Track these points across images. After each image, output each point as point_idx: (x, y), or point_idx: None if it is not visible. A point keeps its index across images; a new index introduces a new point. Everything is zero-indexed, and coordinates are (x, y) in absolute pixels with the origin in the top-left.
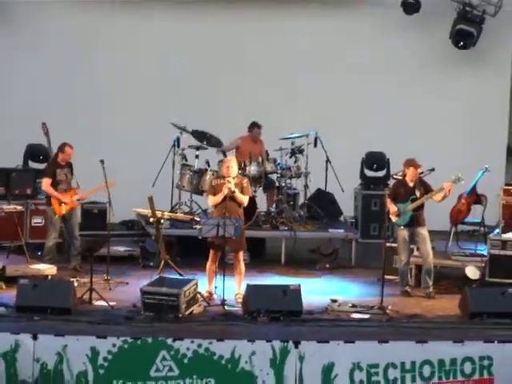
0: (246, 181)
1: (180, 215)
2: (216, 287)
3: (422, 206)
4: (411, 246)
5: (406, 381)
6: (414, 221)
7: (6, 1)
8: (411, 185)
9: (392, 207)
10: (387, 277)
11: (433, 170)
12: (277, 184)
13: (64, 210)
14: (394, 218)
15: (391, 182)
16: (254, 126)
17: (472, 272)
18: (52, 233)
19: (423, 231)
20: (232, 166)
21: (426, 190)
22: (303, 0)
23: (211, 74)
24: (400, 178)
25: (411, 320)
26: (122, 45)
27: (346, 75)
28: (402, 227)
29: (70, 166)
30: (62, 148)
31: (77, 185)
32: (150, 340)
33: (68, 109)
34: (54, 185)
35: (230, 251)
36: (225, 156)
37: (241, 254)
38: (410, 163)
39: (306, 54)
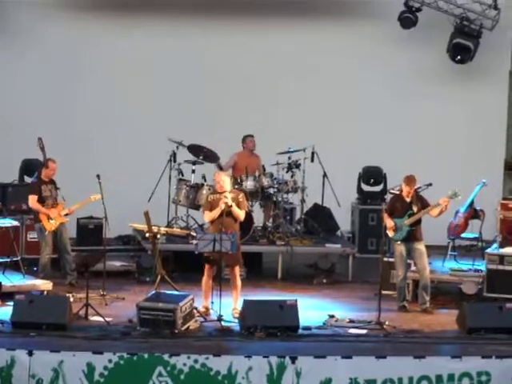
0: (241, 195)
1: (176, 230)
2: (212, 302)
3: (419, 221)
4: (408, 261)
5: None
6: (411, 236)
7: (3, 16)
8: (408, 200)
9: (389, 222)
10: (384, 292)
11: (430, 184)
12: (273, 199)
13: (53, 225)
14: (390, 234)
15: (388, 197)
16: (247, 137)
17: (468, 288)
18: (45, 249)
19: (420, 246)
20: (223, 180)
21: (423, 205)
22: (301, 13)
23: (207, 88)
24: (397, 192)
25: (409, 335)
26: (119, 60)
27: (343, 89)
28: (399, 242)
29: (53, 182)
30: (46, 164)
31: (63, 199)
32: (146, 356)
33: (64, 124)
34: (41, 201)
35: (226, 266)
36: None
37: (237, 269)
38: (406, 181)
39: (303, 68)
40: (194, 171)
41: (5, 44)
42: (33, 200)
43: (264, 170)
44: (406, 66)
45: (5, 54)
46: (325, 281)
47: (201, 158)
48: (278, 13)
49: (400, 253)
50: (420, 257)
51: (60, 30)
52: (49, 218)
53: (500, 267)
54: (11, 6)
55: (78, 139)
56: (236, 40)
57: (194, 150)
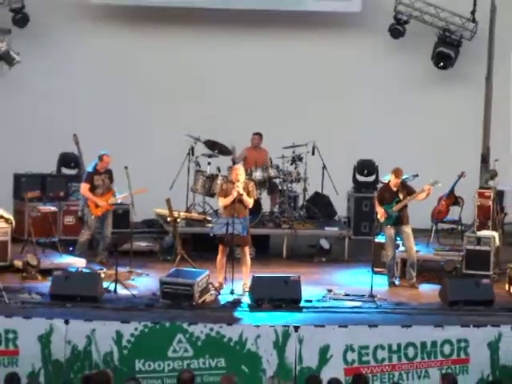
0: (251, 185)
1: (194, 215)
2: (226, 278)
3: (405, 207)
4: (397, 243)
5: (392, 360)
6: (399, 220)
7: (39, 23)
8: (395, 189)
9: (379, 210)
10: (376, 269)
11: (416, 175)
12: (279, 187)
13: (100, 211)
14: (381, 219)
15: (380, 186)
16: (254, 135)
17: (448, 265)
18: (86, 230)
19: (407, 229)
20: (240, 173)
21: (409, 192)
22: (306, 26)
23: (222, 92)
24: (385, 182)
25: (397, 307)
26: (146, 66)
27: (340, 92)
28: (388, 226)
29: (108, 172)
30: (100, 157)
31: (113, 190)
32: (167, 324)
33: (96, 122)
34: (92, 189)
35: (237, 246)
36: (234, 164)
37: (247, 249)
38: (396, 173)
39: (306, 73)
40: (209, 163)
41: (47, 52)
42: (84, 188)
43: (271, 162)
44: (395, 71)
45: (47, 60)
46: (324, 259)
47: (216, 152)
48: (283, 25)
49: (389, 235)
50: (407, 238)
51: (94, 39)
52: (96, 204)
53: (477, 247)
54: (53, 20)
55: (108, 135)
56: (248, 49)
57: (210, 145)
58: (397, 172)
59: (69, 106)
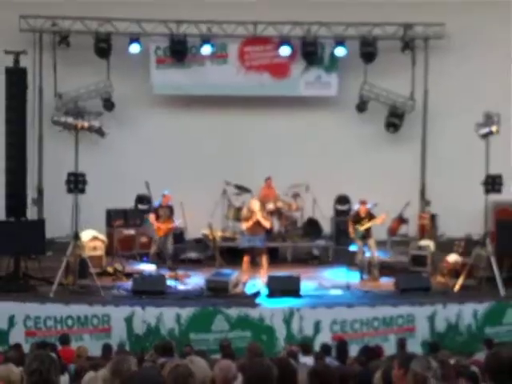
0: (265, 213)
1: (227, 234)
2: (249, 277)
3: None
4: (364, 250)
5: (363, 330)
6: (366, 235)
7: (122, 107)
8: (362, 215)
9: (352, 228)
10: (352, 268)
11: (376, 205)
12: (284, 214)
13: (161, 232)
14: (353, 235)
15: (352, 213)
16: (267, 179)
17: (399, 265)
18: (153, 246)
19: (371, 241)
20: (255, 204)
21: (371, 217)
22: (297, 105)
23: (246, 150)
24: (356, 210)
25: (366, 294)
26: (194, 133)
27: (324, 149)
28: (358, 239)
29: (169, 207)
30: (163, 195)
31: (172, 219)
32: (211, 308)
33: (162, 172)
34: (157, 218)
35: (257, 255)
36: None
37: (264, 257)
38: (361, 202)
39: (300, 137)
40: (237, 199)
41: (128, 126)
42: (151, 217)
43: (278, 197)
44: (361, 134)
45: (127, 132)
46: (315, 263)
47: (241, 191)
48: (283, 104)
49: (359, 246)
50: (372, 247)
51: (159, 116)
52: (159, 228)
53: (419, 252)
54: (131, 105)
55: (170, 181)
56: (261, 121)
57: (237, 186)
58: (363, 201)
59: (142, 162)
